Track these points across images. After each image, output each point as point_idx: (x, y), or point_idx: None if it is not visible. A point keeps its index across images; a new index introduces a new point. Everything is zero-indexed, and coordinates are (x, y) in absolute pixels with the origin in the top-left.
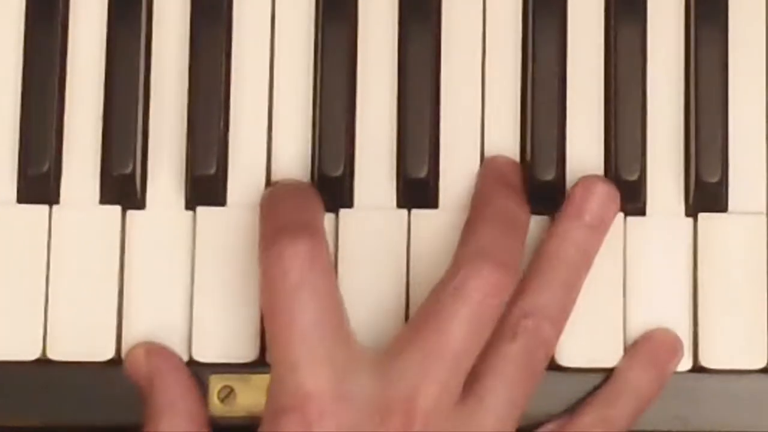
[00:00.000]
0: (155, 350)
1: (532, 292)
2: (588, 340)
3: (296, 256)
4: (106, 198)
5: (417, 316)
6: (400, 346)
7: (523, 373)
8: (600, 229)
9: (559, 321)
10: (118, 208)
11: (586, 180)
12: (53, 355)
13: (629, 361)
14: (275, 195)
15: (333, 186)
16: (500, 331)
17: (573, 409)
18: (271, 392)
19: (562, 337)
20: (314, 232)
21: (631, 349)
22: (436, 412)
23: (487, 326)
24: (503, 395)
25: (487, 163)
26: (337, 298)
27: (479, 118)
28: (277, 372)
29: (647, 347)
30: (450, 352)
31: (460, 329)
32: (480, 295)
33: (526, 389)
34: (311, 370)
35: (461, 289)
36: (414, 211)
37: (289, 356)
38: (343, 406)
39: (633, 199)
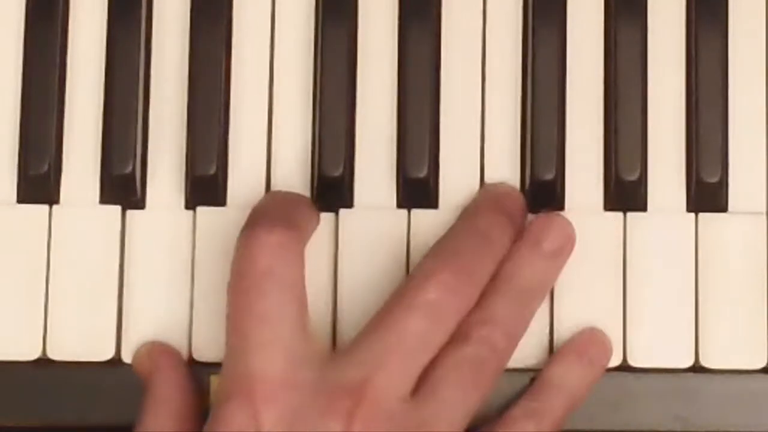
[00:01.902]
0: (159, 348)
1: (488, 305)
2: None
3: (268, 244)
4: (106, 198)
5: (376, 312)
6: (355, 339)
7: (473, 377)
8: (555, 260)
9: (513, 336)
10: (118, 208)
11: (547, 214)
12: (53, 355)
13: (555, 357)
14: (270, 195)
15: (333, 186)
16: (456, 336)
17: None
18: (222, 377)
19: (561, 338)
20: (292, 227)
21: (560, 347)
22: (384, 401)
23: (444, 325)
24: (452, 392)
25: (487, 186)
26: (301, 291)
27: (479, 118)
28: (230, 356)
29: (573, 344)
30: (403, 344)
31: (415, 323)
32: (436, 294)
33: (474, 392)
34: (263, 355)
35: (420, 286)
36: (414, 211)
37: (242, 340)
38: (290, 393)
39: (633, 199)
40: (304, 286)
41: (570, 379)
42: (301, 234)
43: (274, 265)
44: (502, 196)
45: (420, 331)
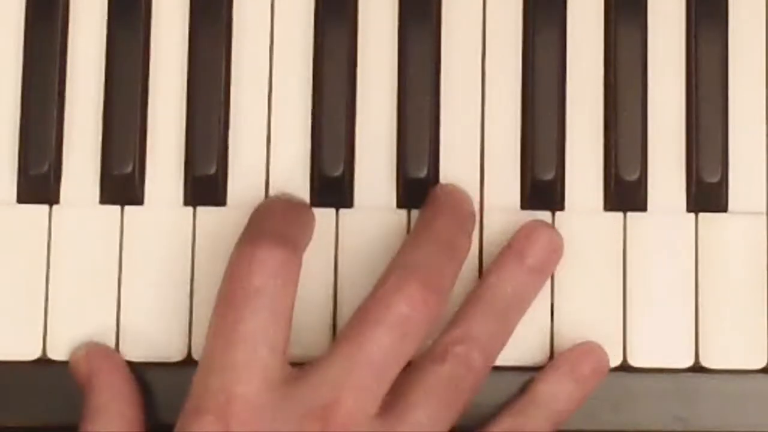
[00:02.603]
0: (96, 351)
1: (466, 321)
2: (586, 340)
3: (267, 261)
4: (106, 198)
5: (345, 325)
6: (325, 354)
7: (448, 396)
8: (540, 274)
9: (489, 353)
10: (117, 208)
11: (533, 223)
12: (53, 355)
13: (545, 372)
14: (270, 203)
15: (333, 186)
16: (431, 353)
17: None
18: (195, 389)
19: (561, 338)
20: (293, 247)
21: (552, 360)
22: (353, 419)
23: (411, 340)
24: (426, 413)
25: (440, 186)
26: (289, 315)
27: (479, 118)
28: (207, 368)
29: (566, 359)
30: (370, 360)
31: (382, 338)
32: (404, 308)
33: (449, 412)
34: (241, 375)
35: (386, 300)
36: (414, 211)
37: (223, 356)
38: (263, 415)
39: (633, 199)
40: (292, 308)
41: (561, 395)
42: (300, 251)
43: (269, 287)
44: (456, 197)
45: (388, 347)
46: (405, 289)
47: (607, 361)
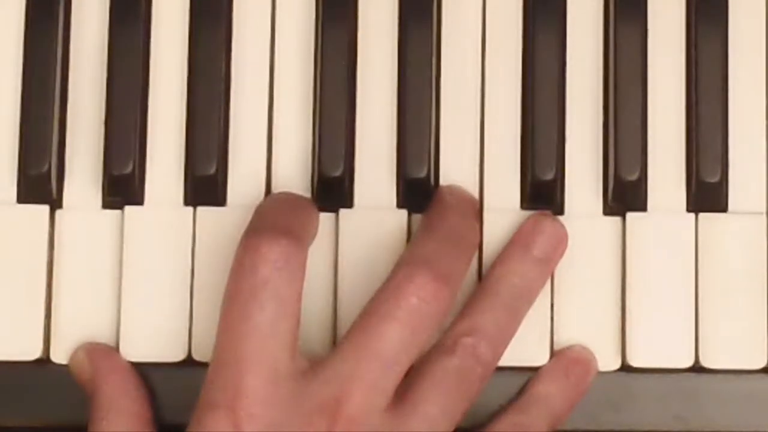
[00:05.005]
0: (97, 350)
1: (474, 313)
2: (586, 341)
3: (271, 254)
4: (105, 198)
5: (356, 318)
6: (334, 349)
7: (457, 388)
8: (546, 265)
9: (498, 345)
10: (117, 208)
11: (538, 215)
12: (54, 355)
13: (542, 374)
14: (273, 199)
15: (333, 186)
16: (440, 346)
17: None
18: (207, 384)
19: (561, 338)
20: (297, 238)
21: (548, 362)
22: (363, 414)
23: (422, 332)
24: (436, 405)
25: (445, 187)
26: (297, 307)
27: (479, 118)
28: (217, 364)
29: (560, 361)
30: (381, 354)
31: (393, 331)
32: (415, 300)
33: (459, 404)
34: (250, 369)
35: (397, 293)
36: (414, 211)
37: (233, 350)
38: (273, 409)
39: (633, 199)
40: (300, 300)
41: (557, 396)
42: (305, 244)
43: (274, 278)
44: (462, 197)
45: (399, 341)
46: (416, 281)
47: (596, 364)
